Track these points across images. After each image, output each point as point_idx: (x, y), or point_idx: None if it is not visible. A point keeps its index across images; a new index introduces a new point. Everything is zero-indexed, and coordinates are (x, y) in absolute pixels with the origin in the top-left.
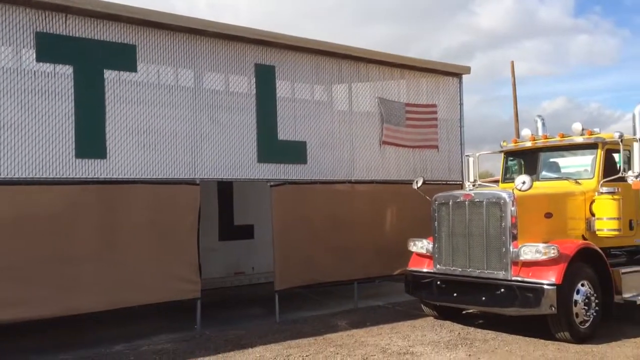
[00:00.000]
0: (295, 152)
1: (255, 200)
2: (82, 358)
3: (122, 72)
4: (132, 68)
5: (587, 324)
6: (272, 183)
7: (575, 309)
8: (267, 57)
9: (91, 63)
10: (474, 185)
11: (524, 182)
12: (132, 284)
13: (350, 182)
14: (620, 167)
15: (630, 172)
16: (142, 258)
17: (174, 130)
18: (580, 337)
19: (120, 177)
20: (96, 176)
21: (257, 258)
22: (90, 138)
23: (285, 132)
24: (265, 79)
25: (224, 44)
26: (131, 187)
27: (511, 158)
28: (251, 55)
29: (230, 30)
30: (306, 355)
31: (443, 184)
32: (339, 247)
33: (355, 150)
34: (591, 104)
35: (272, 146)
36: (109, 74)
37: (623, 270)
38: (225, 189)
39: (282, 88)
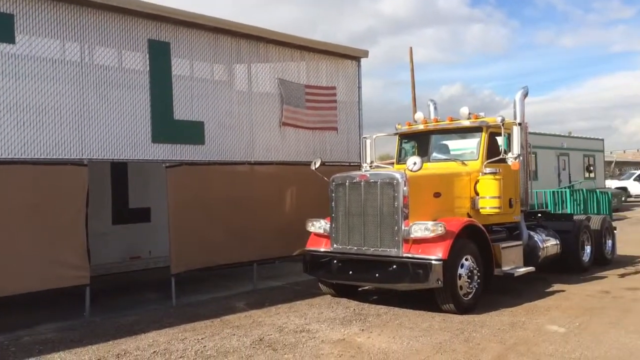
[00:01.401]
0: (193, 133)
1: (152, 182)
2: None
3: None
4: (9, 39)
5: (470, 296)
6: (167, 164)
7: (459, 282)
8: (162, 33)
9: None
10: (370, 167)
11: (415, 163)
12: (10, 272)
13: (249, 163)
14: (502, 149)
15: (510, 154)
16: (23, 244)
17: (58, 107)
18: (463, 308)
19: None
20: None
21: (155, 242)
22: None
23: (182, 111)
24: (159, 55)
25: (114, 17)
26: (8, 167)
27: (405, 140)
28: (144, 30)
29: (120, 2)
30: (201, 338)
31: (342, 165)
32: (237, 228)
33: (254, 131)
34: (484, 91)
35: (167, 126)
36: None
37: (503, 245)
38: (119, 171)
39: (179, 66)
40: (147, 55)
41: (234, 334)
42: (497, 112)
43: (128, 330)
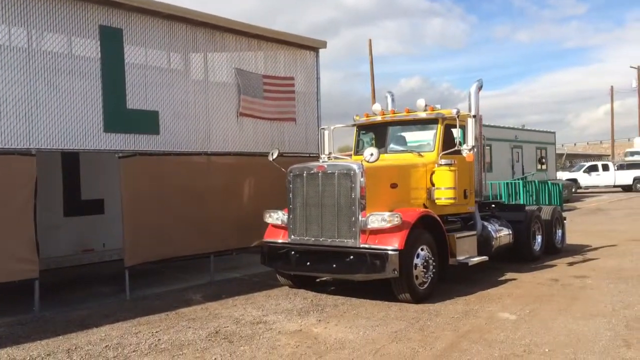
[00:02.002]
0: (147, 122)
1: (106, 173)
2: None
3: None
4: None
5: (426, 285)
6: (120, 154)
7: (415, 272)
8: (114, 19)
9: None
10: (328, 158)
11: (371, 154)
12: None
13: (206, 153)
14: (457, 141)
15: (465, 146)
16: None
17: (4, 95)
18: (419, 297)
19: None
20: None
21: (109, 234)
22: None
23: (135, 100)
24: (111, 42)
25: (63, 1)
26: None
27: (363, 132)
28: (95, 16)
29: None
30: (156, 332)
31: (300, 156)
32: (194, 220)
33: (211, 122)
34: (443, 84)
35: (120, 115)
36: None
37: (457, 235)
38: (70, 161)
39: (132, 54)
40: (99, 42)
41: (190, 327)
42: (455, 105)
43: (79, 325)
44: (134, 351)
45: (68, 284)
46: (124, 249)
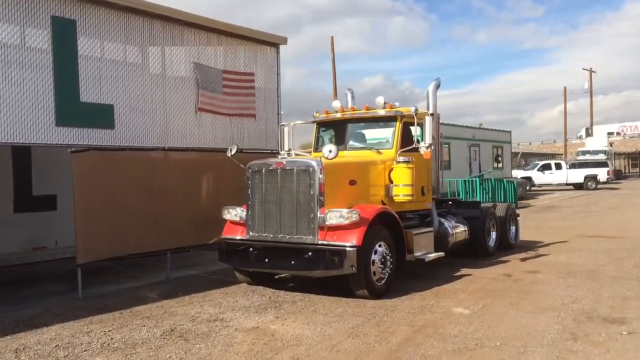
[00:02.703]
0: (101, 116)
1: (59, 168)
2: None
3: None
4: None
5: (383, 281)
6: (73, 149)
7: (373, 268)
8: (67, 9)
9: None
10: (288, 155)
11: (330, 151)
12: None
13: (163, 149)
14: (415, 138)
15: (422, 144)
16: None
17: None
18: (376, 293)
19: None
20: None
21: (61, 231)
22: None
23: (89, 93)
24: (64, 34)
25: None
26: None
27: (323, 129)
28: (47, 7)
29: None
30: (109, 330)
31: (260, 152)
32: (150, 216)
33: (169, 117)
34: (404, 83)
35: (73, 108)
36: None
37: (415, 232)
38: (21, 155)
39: (86, 46)
40: (51, 33)
41: (144, 325)
42: (415, 104)
43: (29, 324)
44: (85, 350)
45: (18, 282)
46: (76, 246)
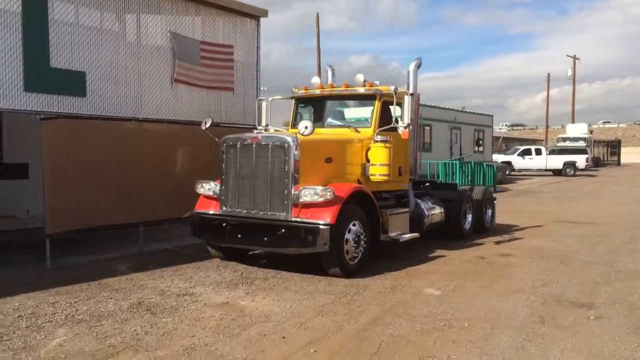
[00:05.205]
0: (72, 83)
1: (32, 136)
2: None
3: None
4: None
5: (356, 260)
6: (42, 116)
7: (346, 247)
8: None
9: None
10: (265, 130)
11: (306, 127)
12: None
13: (137, 119)
14: (394, 118)
15: (400, 123)
16: None
17: None
18: (349, 272)
19: None
20: None
21: (33, 200)
22: None
23: (60, 59)
24: None
25: None
26: None
27: (302, 105)
28: None
29: None
30: (74, 302)
31: (236, 127)
32: (122, 188)
33: (143, 86)
34: (392, 63)
35: (42, 74)
36: None
37: (390, 212)
38: None
39: (57, 10)
40: None
41: (112, 298)
42: (403, 84)
43: None
44: (48, 321)
45: None
46: (45, 216)
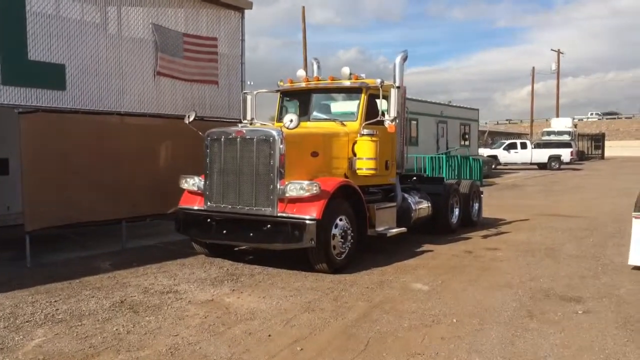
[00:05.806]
0: (51, 76)
1: (12, 131)
2: None
3: None
4: None
5: (343, 256)
6: (20, 110)
7: (333, 242)
8: None
9: None
10: (250, 124)
11: (291, 121)
12: None
13: (119, 113)
14: (380, 111)
15: (387, 117)
16: None
17: None
18: (336, 268)
19: None
20: None
21: (13, 196)
22: None
23: (38, 51)
24: None
25: None
26: None
27: (287, 98)
28: None
29: None
30: (55, 301)
31: (221, 120)
32: (104, 184)
33: (125, 79)
34: (380, 57)
35: (19, 67)
36: None
37: (377, 206)
38: None
39: (35, 1)
40: None
41: (93, 296)
42: (391, 78)
43: None
44: (27, 321)
45: None
46: (24, 212)
